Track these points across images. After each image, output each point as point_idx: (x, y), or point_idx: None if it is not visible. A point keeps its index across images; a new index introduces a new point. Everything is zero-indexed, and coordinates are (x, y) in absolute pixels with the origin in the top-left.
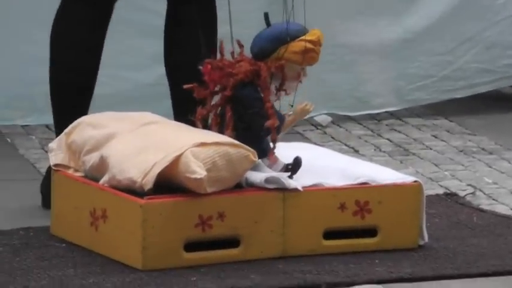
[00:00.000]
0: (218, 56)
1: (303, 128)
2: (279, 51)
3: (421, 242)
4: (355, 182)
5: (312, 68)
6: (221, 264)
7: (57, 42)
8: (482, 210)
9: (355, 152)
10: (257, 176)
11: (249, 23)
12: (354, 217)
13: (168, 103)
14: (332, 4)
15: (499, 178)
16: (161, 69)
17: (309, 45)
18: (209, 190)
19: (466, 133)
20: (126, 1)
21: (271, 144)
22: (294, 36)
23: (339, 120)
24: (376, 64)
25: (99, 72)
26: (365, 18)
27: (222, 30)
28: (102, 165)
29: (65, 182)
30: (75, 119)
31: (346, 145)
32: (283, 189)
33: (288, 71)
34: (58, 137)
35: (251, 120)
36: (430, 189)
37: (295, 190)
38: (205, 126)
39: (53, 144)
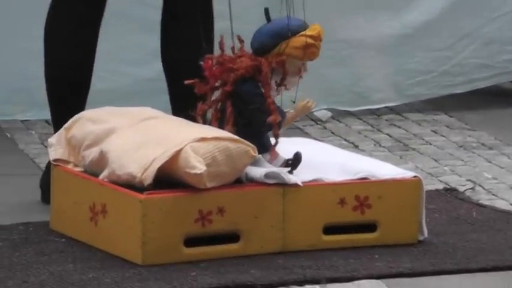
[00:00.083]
0: (218, 51)
1: (303, 123)
2: (279, 46)
3: (421, 237)
4: (355, 177)
5: (312, 63)
6: (221, 259)
7: (50, 39)
8: (481, 206)
9: (355, 147)
10: (257, 171)
11: (249, 19)
12: (354, 212)
13: (168, 98)
14: None
15: (498, 173)
16: (161, 65)
17: (309, 41)
18: (209, 185)
19: (466, 128)
20: None
21: (274, 140)
22: (295, 32)
23: (338, 115)
24: (376, 59)
25: (99, 67)
26: (365, 13)
27: (223, 25)
28: (101, 160)
29: (65, 177)
30: (72, 115)
31: (346, 140)
32: (283, 185)
33: (289, 66)
34: (58, 132)
35: (251, 115)
36: (430, 185)
37: (295, 185)
38: (205, 122)
39: (52, 139)
